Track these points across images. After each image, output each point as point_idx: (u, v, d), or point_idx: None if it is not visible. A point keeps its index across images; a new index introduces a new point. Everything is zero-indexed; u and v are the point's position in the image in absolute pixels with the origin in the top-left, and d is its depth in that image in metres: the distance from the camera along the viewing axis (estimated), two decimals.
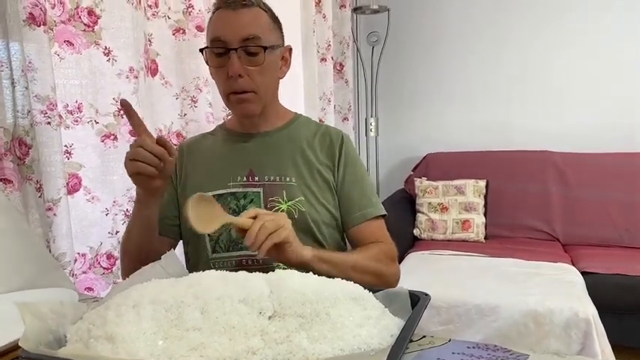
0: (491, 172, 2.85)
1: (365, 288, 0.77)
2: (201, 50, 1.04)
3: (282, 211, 1.03)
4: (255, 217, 0.86)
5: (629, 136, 2.82)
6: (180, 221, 1.11)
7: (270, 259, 0.91)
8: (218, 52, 1.01)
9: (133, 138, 1.46)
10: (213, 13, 1.04)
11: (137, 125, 0.90)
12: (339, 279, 0.78)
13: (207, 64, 1.08)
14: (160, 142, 0.88)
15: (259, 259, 0.99)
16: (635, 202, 2.59)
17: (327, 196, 1.08)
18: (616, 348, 1.77)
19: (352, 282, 0.91)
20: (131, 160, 0.87)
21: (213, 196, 1.03)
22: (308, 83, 2.65)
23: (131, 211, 1.10)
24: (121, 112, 1.44)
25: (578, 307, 1.77)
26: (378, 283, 0.98)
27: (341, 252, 1.03)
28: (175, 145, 1.71)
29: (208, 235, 1.04)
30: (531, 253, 2.40)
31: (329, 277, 0.91)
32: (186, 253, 1.13)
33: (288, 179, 1.06)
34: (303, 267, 0.93)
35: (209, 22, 1.05)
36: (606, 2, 2.81)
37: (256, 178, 1.06)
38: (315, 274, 0.92)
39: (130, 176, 0.90)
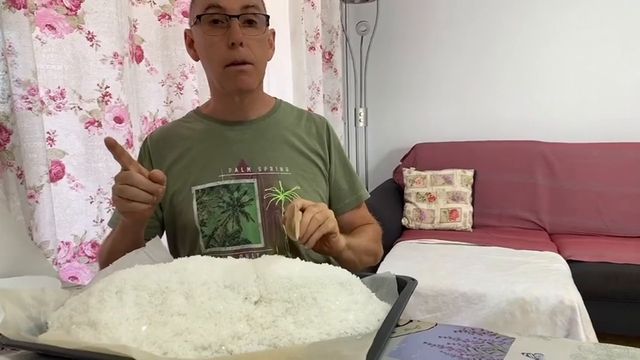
0: (479, 162, 2.87)
1: (352, 273, 0.76)
2: (198, 17, 0.96)
3: (280, 201, 1.02)
4: (302, 209, 0.85)
5: (615, 127, 2.84)
6: (164, 218, 1.07)
7: (315, 250, 0.92)
8: (214, 19, 0.96)
9: (119, 125, 1.45)
10: None
11: (120, 156, 0.83)
12: (326, 264, 0.77)
13: (189, 47, 1.05)
14: (154, 177, 0.83)
15: (258, 254, 0.99)
16: (620, 192, 2.62)
17: (320, 184, 1.09)
18: (600, 335, 1.80)
19: (360, 264, 1.03)
20: (122, 198, 0.82)
21: (204, 189, 1.01)
22: (296, 72, 2.63)
23: (113, 231, 1.03)
24: (106, 98, 1.42)
25: (564, 294, 1.79)
26: (373, 261, 1.10)
27: (354, 236, 1.04)
28: None
29: (202, 230, 1.01)
30: (518, 242, 2.43)
31: (349, 263, 0.99)
32: (172, 249, 1.09)
33: (282, 169, 1.04)
34: (336, 255, 0.98)
35: None
36: None
37: (248, 169, 1.03)
38: (338, 260, 0.99)
39: (121, 213, 0.86)
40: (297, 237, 0.82)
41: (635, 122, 2.81)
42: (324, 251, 0.94)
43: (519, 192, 2.79)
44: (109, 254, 0.95)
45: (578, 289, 1.87)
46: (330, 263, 0.82)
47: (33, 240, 1.20)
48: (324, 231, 0.86)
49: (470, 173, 2.80)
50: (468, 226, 2.72)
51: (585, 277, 2.07)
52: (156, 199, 0.85)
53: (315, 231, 0.84)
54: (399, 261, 2.23)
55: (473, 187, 2.79)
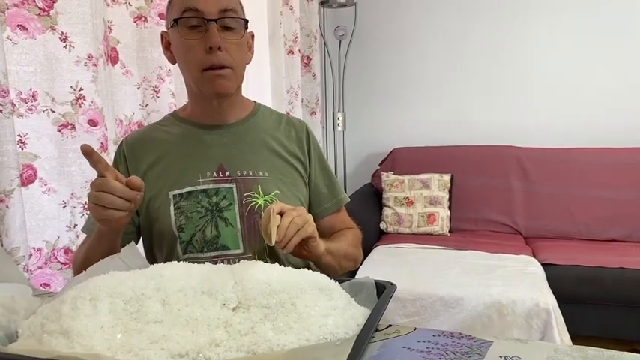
0: (456, 166, 2.90)
1: (331, 277, 0.76)
2: (175, 20, 0.95)
3: (259, 206, 1.01)
4: (280, 213, 0.85)
5: (588, 133, 2.91)
6: (141, 224, 1.05)
7: (294, 254, 0.92)
8: (191, 23, 0.94)
9: (93, 128, 1.42)
10: None
11: (97, 164, 0.80)
12: (305, 269, 0.77)
13: (165, 49, 1.03)
14: (131, 184, 0.81)
15: (237, 260, 0.97)
16: (592, 197, 2.68)
17: (300, 188, 1.08)
18: (573, 336, 1.83)
19: (340, 269, 1.03)
20: (98, 206, 0.80)
21: (182, 194, 1.00)
22: (275, 75, 2.63)
23: (88, 237, 1.02)
24: (80, 100, 1.39)
25: (539, 297, 1.82)
26: (353, 266, 1.10)
27: (333, 241, 1.04)
28: None
29: (180, 236, 0.99)
30: (494, 245, 2.46)
31: (328, 267, 0.99)
32: (149, 255, 1.07)
33: (261, 173, 1.03)
34: (315, 260, 0.97)
35: None
36: (570, 0, 2.88)
37: (227, 173, 1.01)
38: (318, 265, 0.99)
39: (97, 221, 0.84)
40: (273, 242, 0.81)
41: (608, 128, 2.88)
42: (303, 255, 0.94)
43: (495, 196, 2.83)
44: (83, 262, 0.92)
45: (553, 292, 1.90)
46: (309, 268, 0.81)
47: (3, 246, 1.17)
48: (303, 235, 0.86)
49: (447, 178, 2.83)
50: (446, 230, 2.75)
51: (559, 280, 2.10)
52: (133, 207, 0.83)
53: (294, 235, 0.84)
54: (378, 265, 2.24)
55: (450, 191, 2.82)
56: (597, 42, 2.87)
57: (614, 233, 2.60)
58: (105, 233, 0.90)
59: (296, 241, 0.85)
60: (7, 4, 1.25)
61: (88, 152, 0.80)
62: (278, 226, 0.82)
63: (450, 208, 2.80)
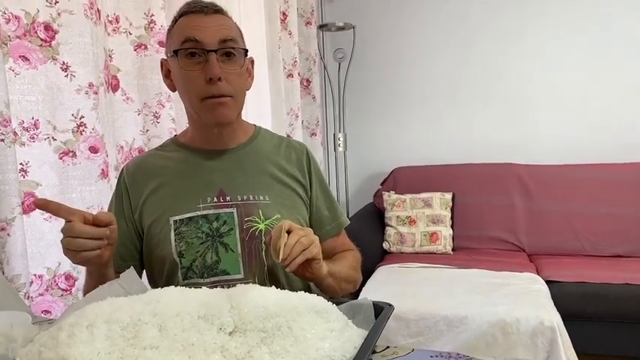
0: (457, 185, 2.90)
1: (328, 300, 0.76)
2: (175, 52, 0.96)
3: (260, 230, 1.01)
4: (288, 232, 0.86)
5: (589, 149, 2.91)
6: (143, 251, 1.05)
7: (297, 274, 0.92)
8: (192, 52, 0.95)
9: (94, 155, 1.44)
10: (177, 19, 0.99)
11: (58, 212, 0.80)
12: (302, 292, 0.77)
13: (165, 77, 1.04)
14: (99, 221, 0.82)
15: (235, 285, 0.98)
16: (595, 213, 2.67)
17: (301, 211, 1.08)
18: (579, 354, 1.81)
19: (340, 291, 1.03)
20: (70, 250, 0.81)
21: (182, 219, 1.00)
22: (275, 99, 2.66)
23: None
24: (80, 128, 1.41)
25: (544, 315, 1.80)
26: (352, 288, 1.09)
27: (335, 263, 1.04)
28: None
29: (180, 262, 0.99)
30: (498, 263, 2.44)
31: (329, 289, 0.99)
32: (150, 281, 1.08)
33: (262, 197, 1.03)
34: (317, 282, 0.98)
35: (174, 28, 0.99)
36: (570, 17, 2.92)
37: (228, 198, 1.01)
38: (319, 287, 0.99)
39: (75, 264, 0.86)
40: (280, 259, 0.82)
41: (609, 144, 2.88)
42: (305, 276, 0.94)
43: (498, 214, 2.82)
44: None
45: (558, 310, 1.88)
46: (309, 290, 0.82)
47: (4, 274, 1.17)
48: (308, 255, 0.87)
49: (448, 196, 2.83)
50: (449, 248, 2.74)
51: (564, 298, 2.09)
52: (106, 242, 0.84)
53: (299, 255, 0.85)
54: (381, 285, 2.23)
55: (452, 209, 2.82)
56: (598, 58, 2.88)
57: (619, 249, 2.58)
58: (94, 272, 0.92)
59: (300, 260, 0.85)
60: (9, 36, 1.28)
61: (42, 205, 0.81)
62: (285, 244, 0.83)
63: (452, 226, 2.80)
